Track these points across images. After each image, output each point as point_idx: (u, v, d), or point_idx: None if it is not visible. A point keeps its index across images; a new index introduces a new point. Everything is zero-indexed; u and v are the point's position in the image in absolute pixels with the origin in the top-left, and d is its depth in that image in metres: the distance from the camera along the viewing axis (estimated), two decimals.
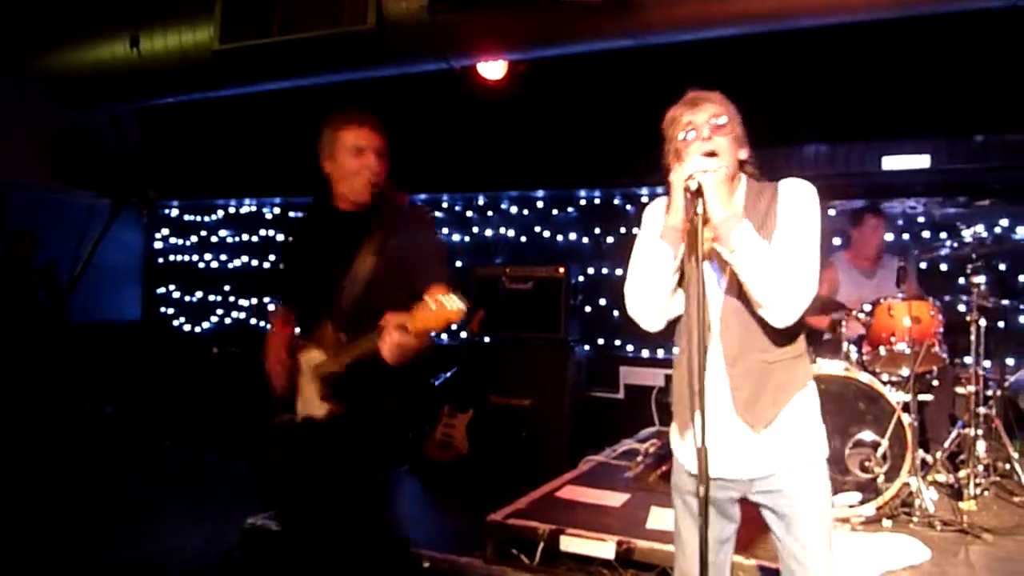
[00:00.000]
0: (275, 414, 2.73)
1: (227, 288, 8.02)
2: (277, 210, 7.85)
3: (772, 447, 1.99)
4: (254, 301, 7.88)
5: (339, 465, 2.52)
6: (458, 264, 6.90)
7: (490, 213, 6.87)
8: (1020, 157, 4.72)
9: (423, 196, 6.96)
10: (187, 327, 8.18)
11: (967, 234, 4.06)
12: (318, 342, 2.60)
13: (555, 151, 6.01)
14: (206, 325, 8.11)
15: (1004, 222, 5.12)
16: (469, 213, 6.95)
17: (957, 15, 3.66)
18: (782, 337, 2.01)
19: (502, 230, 6.79)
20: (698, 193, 1.81)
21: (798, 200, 1.95)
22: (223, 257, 8.07)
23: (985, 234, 4.01)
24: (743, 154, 2.00)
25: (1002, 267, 5.11)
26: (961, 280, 4.76)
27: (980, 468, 3.87)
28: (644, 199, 6.02)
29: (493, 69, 4.80)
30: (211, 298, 8.11)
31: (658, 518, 3.44)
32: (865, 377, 3.70)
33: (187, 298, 8.21)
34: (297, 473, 2.64)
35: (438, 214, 7.06)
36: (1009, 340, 4.96)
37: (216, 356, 6.70)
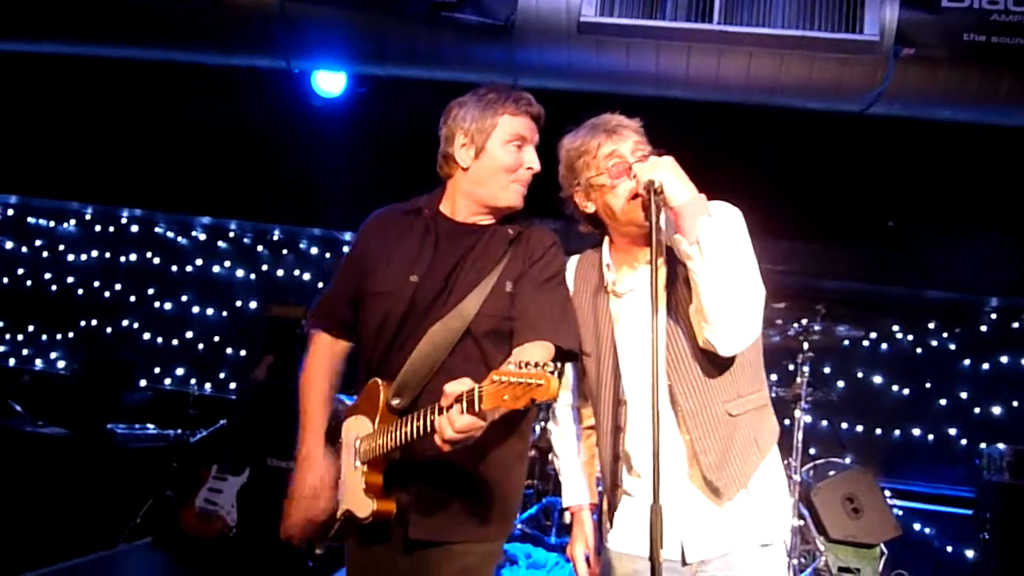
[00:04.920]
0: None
1: None
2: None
3: (734, 521, 1.66)
4: None
5: None
6: (238, 304, 6.02)
7: (285, 251, 6.08)
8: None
9: (206, 220, 6.01)
10: None
11: (794, 327, 4.12)
12: (365, 403, 1.79)
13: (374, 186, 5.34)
14: None
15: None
16: (260, 248, 6.12)
17: None
18: (748, 379, 1.71)
19: (297, 272, 6.03)
20: (657, 193, 1.56)
21: (731, 220, 1.66)
22: None
23: (816, 327, 4.00)
24: None
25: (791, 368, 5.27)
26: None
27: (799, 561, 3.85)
28: None
29: (333, 82, 4.23)
30: None
31: None
32: None
33: None
34: None
35: (221, 244, 6.13)
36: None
37: None
